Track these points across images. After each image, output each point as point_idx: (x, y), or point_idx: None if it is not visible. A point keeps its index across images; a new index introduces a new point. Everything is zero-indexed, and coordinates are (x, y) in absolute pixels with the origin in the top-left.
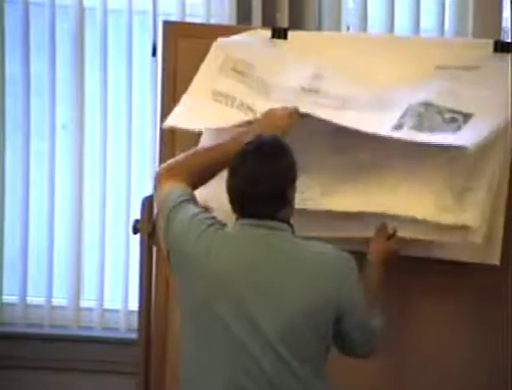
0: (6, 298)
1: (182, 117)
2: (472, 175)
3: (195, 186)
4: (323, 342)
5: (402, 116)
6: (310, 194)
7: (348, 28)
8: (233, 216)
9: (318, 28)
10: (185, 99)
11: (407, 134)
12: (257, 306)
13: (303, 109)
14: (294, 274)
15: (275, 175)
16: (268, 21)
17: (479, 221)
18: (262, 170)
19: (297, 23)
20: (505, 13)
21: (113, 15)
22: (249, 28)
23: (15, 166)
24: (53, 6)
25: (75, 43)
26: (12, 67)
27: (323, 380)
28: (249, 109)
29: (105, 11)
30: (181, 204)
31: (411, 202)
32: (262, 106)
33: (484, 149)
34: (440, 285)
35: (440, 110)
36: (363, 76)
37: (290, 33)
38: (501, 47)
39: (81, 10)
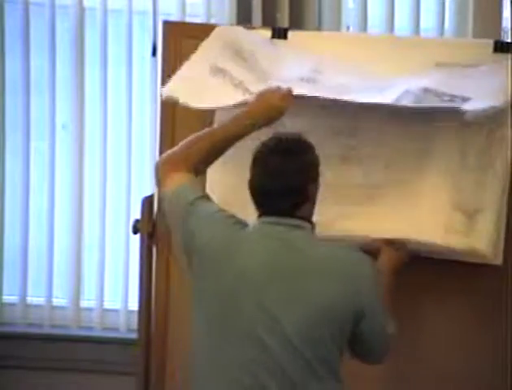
0: (6, 298)
1: (179, 88)
2: (481, 194)
3: (198, 173)
4: (340, 343)
5: (401, 96)
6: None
7: (348, 28)
8: (254, 215)
9: (318, 28)
10: (182, 70)
11: (408, 103)
12: (278, 304)
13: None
14: (314, 273)
15: (297, 170)
16: (268, 21)
17: (489, 244)
18: (283, 164)
19: (297, 23)
20: (505, 13)
21: (113, 15)
22: (250, 28)
23: (15, 166)
24: (53, 6)
25: (75, 43)
26: (12, 67)
27: (340, 382)
28: (247, 90)
29: (105, 11)
30: (197, 201)
31: (421, 226)
32: (260, 88)
33: (487, 162)
34: (440, 285)
35: (438, 94)
36: (363, 72)
37: (290, 33)
38: (501, 47)
39: (81, 10)
